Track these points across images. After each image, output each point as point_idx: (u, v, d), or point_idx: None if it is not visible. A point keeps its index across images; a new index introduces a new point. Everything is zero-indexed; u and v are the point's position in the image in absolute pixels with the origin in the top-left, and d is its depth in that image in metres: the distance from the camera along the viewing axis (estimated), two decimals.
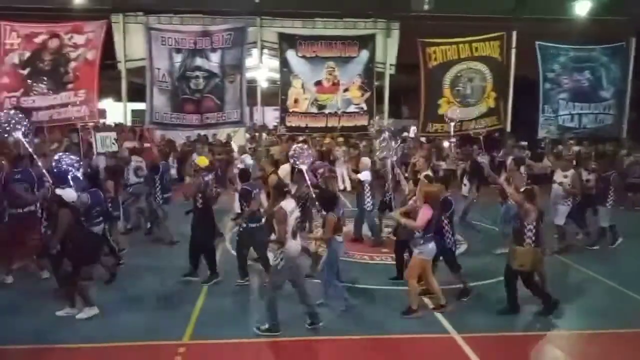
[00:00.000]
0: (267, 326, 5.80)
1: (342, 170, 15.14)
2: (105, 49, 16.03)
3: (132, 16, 16.68)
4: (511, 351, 5.84)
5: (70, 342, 5.60)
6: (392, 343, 5.86)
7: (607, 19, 17.10)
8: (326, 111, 17.22)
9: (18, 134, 7.03)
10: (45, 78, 14.98)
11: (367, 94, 17.36)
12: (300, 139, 16.91)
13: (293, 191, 7.83)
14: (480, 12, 16.89)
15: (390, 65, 17.69)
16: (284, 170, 8.85)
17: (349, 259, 8.59)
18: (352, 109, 17.31)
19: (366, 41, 17.29)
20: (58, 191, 6.15)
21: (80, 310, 6.14)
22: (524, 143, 15.20)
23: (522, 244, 6.19)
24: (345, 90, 17.26)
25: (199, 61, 16.33)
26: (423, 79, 17.22)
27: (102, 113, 18.31)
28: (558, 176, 9.04)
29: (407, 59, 17.70)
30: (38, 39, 15.65)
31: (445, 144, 15.27)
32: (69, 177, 6.35)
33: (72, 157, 6.70)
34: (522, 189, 6.67)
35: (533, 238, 6.16)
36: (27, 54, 15.56)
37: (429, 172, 8.08)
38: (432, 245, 6.25)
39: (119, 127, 16.41)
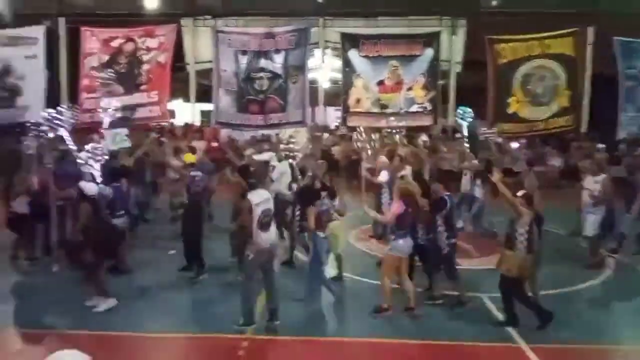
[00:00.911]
0: (241, 321, 5.78)
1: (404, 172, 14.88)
2: (175, 52, 16.73)
3: (200, 19, 17.27)
4: None
5: (138, 331, 5.88)
6: (455, 350, 5.69)
7: None
8: (388, 111, 17.00)
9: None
10: (113, 76, 15.73)
11: (432, 93, 16.96)
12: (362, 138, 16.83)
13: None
14: (552, 7, 16.10)
15: (456, 63, 17.21)
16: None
17: None
18: (415, 108, 16.98)
19: (431, 39, 16.89)
20: (80, 184, 6.42)
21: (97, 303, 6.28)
22: (602, 145, 14.28)
23: (513, 249, 5.91)
24: (409, 89, 16.96)
25: (263, 62, 16.60)
26: (491, 77, 16.61)
27: (172, 113, 19.10)
28: (588, 182, 8.30)
29: (474, 57, 17.17)
30: (114, 43, 16.52)
31: (514, 145, 14.69)
32: (92, 171, 6.63)
33: (96, 151, 6.98)
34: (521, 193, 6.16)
35: (525, 243, 5.83)
36: (105, 58, 16.48)
37: (405, 172, 8.05)
38: (402, 242, 6.15)
39: (186, 127, 17.10)
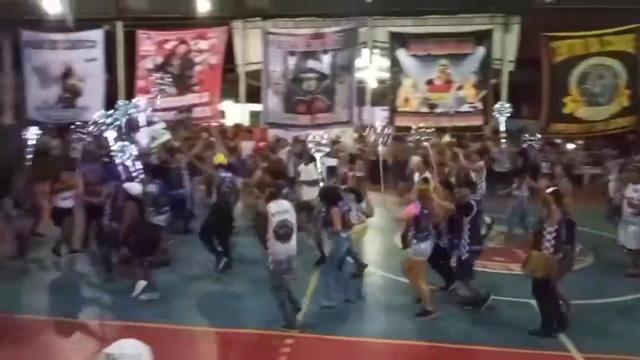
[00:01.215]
0: (283, 323, 5.87)
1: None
2: (226, 53, 17.09)
3: (251, 21, 17.57)
4: None
5: (184, 324, 6.04)
6: (506, 357, 5.52)
7: None
8: (437, 110, 16.73)
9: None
10: (169, 76, 16.24)
11: (483, 93, 16.55)
12: (409, 138, 16.63)
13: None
14: (612, 3, 15.31)
15: (509, 61, 16.70)
16: None
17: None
18: (465, 108, 16.61)
19: (482, 37, 16.48)
20: (125, 185, 6.67)
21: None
22: None
23: (540, 248, 5.72)
24: (459, 88, 16.62)
25: (311, 63, 16.73)
26: (546, 75, 16.03)
27: (222, 114, 19.53)
28: (628, 190, 7.83)
29: (528, 55, 16.59)
30: (168, 45, 17.11)
31: (570, 146, 14.13)
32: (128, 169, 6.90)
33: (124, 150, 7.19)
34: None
35: (552, 242, 5.63)
36: (159, 60, 17.07)
37: (427, 175, 7.90)
38: (424, 246, 6.16)
39: (237, 128, 17.43)
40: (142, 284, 6.54)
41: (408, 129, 16.77)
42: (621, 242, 7.98)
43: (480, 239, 6.51)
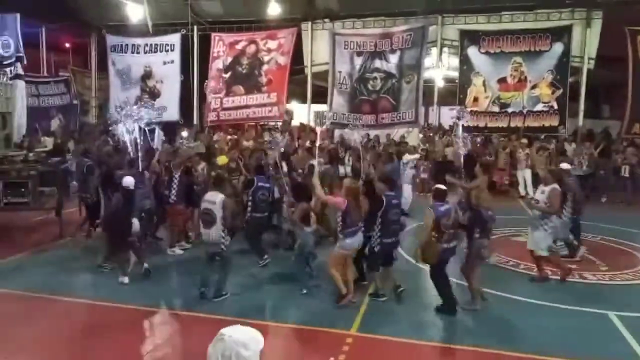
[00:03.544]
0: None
1: (523, 174, 14.02)
2: (294, 55, 17.38)
3: (319, 23, 17.75)
4: None
5: (255, 319, 6.18)
6: None
7: None
8: (509, 110, 16.08)
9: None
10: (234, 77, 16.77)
11: (559, 92, 15.71)
12: (478, 139, 16.12)
13: None
14: None
15: (589, 58, 15.72)
16: None
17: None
18: (540, 107, 15.85)
19: (560, 33, 15.64)
20: (124, 178, 7.16)
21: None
22: None
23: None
24: (534, 87, 15.88)
25: (377, 63, 16.62)
26: (632, 72, 14.94)
27: (291, 114, 19.89)
28: (537, 191, 7.28)
29: (609, 51, 15.54)
30: (239, 46, 17.67)
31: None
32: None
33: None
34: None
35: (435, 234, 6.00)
36: (229, 60, 17.67)
37: (314, 162, 8.23)
38: (350, 241, 6.33)
39: (301, 127, 17.74)
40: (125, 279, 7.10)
41: (477, 129, 16.34)
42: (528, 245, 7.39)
43: (394, 232, 6.56)
